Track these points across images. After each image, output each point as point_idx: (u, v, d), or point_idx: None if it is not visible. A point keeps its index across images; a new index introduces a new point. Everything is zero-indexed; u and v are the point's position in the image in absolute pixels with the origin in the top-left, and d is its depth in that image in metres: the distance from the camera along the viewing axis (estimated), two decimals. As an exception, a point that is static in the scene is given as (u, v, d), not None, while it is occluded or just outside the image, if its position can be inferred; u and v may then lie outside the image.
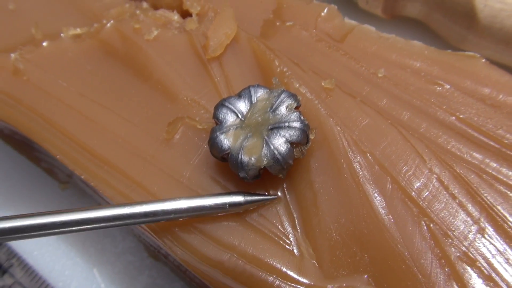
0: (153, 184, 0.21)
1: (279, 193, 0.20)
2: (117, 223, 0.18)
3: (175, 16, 0.26)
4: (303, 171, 0.20)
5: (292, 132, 0.19)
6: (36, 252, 0.27)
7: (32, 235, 0.18)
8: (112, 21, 0.25)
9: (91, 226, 0.18)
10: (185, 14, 0.26)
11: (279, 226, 0.19)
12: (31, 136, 0.23)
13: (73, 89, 0.24)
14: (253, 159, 0.19)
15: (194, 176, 0.21)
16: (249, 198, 0.19)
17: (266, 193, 0.20)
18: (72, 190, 0.29)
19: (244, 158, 0.19)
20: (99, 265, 0.27)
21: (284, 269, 0.19)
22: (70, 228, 0.18)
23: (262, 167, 0.19)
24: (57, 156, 0.22)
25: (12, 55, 0.24)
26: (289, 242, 0.19)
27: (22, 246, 0.28)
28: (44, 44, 0.25)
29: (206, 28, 0.24)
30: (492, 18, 0.26)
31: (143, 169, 0.21)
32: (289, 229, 0.19)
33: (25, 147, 0.27)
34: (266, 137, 0.19)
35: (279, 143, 0.19)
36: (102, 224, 0.18)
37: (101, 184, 0.21)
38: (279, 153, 0.19)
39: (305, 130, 0.19)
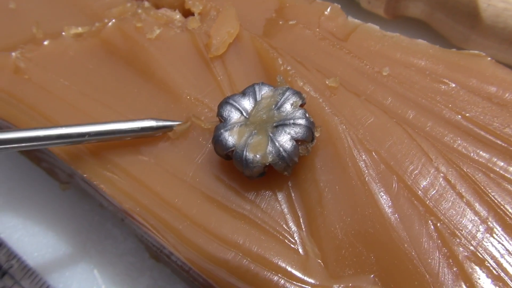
0: (156, 183, 0.21)
1: (284, 196, 0.20)
2: (33, 144, 0.19)
3: (177, 15, 0.26)
4: (308, 169, 0.20)
5: (297, 129, 0.19)
6: (36, 253, 0.27)
7: None
8: (113, 20, 0.25)
9: (7, 146, 0.19)
10: (187, 13, 0.26)
11: (284, 225, 0.19)
12: (32, 135, 0.23)
13: (74, 88, 0.23)
14: (258, 156, 0.19)
15: (198, 175, 0.21)
16: (160, 123, 0.21)
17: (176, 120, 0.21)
18: (72, 191, 0.28)
19: (249, 155, 0.19)
20: (99, 266, 0.27)
21: (289, 269, 0.18)
22: None
23: (267, 164, 0.19)
24: (59, 155, 0.22)
25: (13, 54, 0.24)
26: (294, 241, 0.19)
27: (23, 248, 0.27)
28: (45, 43, 0.25)
29: (208, 27, 0.24)
30: (495, 17, 0.26)
31: (146, 168, 0.21)
32: (294, 228, 0.19)
33: (26, 146, 0.26)
34: (271, 134, 0.19)
35: (284, 140, 0.19)
36: (17, 145, 0.19)
37: (104, 183, 0.21)
38: (284, 150, 0.19)
39: (310, 128, 0.19)
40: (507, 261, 0.17)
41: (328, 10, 0.24)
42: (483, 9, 0.26)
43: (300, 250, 0.19)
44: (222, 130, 0.19)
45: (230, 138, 0.19)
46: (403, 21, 0.31)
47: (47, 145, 0.20)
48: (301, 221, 0.19)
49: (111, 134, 0.20)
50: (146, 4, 0.27)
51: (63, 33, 0.25)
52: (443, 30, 0.29)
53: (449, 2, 0.27)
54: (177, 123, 0.21)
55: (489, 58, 0.21)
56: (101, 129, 0.20)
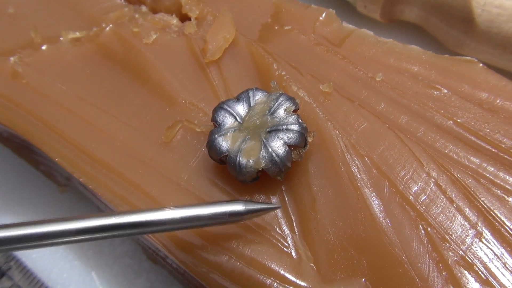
0: (151, 187, 0.21)
1: (278, 200, 0.20)
2: (103, 234, 0.16)
3: (174, 20, 0.26)
4: (301, 174, 0.20)
5: (290, 135, 0.19)
6: (34, 255, 0.27)
7: None
8: (111, 25, 0.25)
9: (75, 238, 0.16)
10: (184, 18, 0.26)
11: (277, 229, 0.20)
12: (30, 139, 0.23)
13: (72, 92, 0.24)
14: (251, 161, 0.19)
15: (192, 179, 0.21)
16: (250, 207, 0.17)
17: (268, 202, 0.19)
18: (70, 193, 0.29)
19: (242, 160, 0.19)
20: (97, 268, 0.27)
21: (282, 272, 0.19)
22: (51, 241, 0.16)
23: (260, 169, 0.19)
24: (56, 159, 0.22)
25: (11, 59, 0.24)
26: (287, 245, 0.19)
27: (20, 249, 0.27)
28: (43, 47, 0.25)
29: (204, 32, 0.24)
30: (489, 23, 0.26)
31: (141, 172, 0.21)
32: (287, 232, 0.20)
33: (24, 150, 0.27)
34: (264, 140, 0.19)
35: (277, 145, 0.19)
36: (87, 236, 0.16)
37: (99, 187, 0.21)
38: (277, 155, 0.19)
39: (303, 133, 0.19)
40: (495, 266, 0.17)
41: (323, 15, 0.25)
42: (478, 15, 0.26)
43: (293, 254, 0.19)
44: (216, 135, 0.20)
45: (224, 143, 0.19)
46: (399, 25, 0.31)
47: (121, 236, 0.17)
48: (294, 225, 0.20)
49: (194, 221, 0.17)
50: (144, 8, 0.27)
51: (61, 38, 0.25)
52: (438, 35, 0.29)
53: (444, 7, 0.27)
54: (272, 206, 0.18)
55: (481, 64, 0.22)
56: (183, 216, 0.17)
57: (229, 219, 0.17)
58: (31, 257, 0.27)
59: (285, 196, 0.20)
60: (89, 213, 0.17)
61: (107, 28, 0.25)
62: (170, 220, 0.17)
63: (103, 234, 0.17)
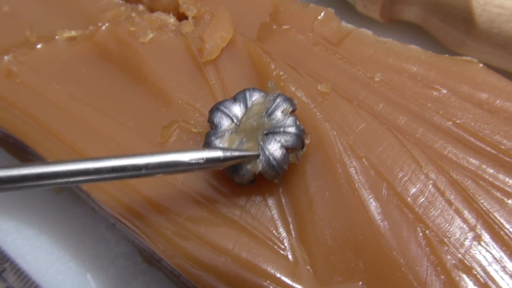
0: (147, 187, 0.21)
1: (275, 203, 0.19)
2: (83, 178, 0.16)
3: (171, 19, 0.26)
4: (298, 175, 0.20)
5: (287, 138, 0.19)
6: (29, 256, 0.27)
7: None
8: (107, 24, 0.25)
9: (55, 181, 0.16)
10: (181, 17, 0.26)
11: (274, 231, 0.19)
12: (24, 139, 0.23)
13: (67, 92, 0.23)
14: (248, 165, 0.19)
15: (188, 180, 0.21)
16: (228, 153, 0.18)
17: (246, 150, 0.19)
18: (66, 194, 0.28)
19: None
20: (92, 270, 0.27)
21: (278, 275, 0.18)
22: (32, 183, 0.16)
23: (257, 172, 0.19)
24: (50, 160, 0.22)
25: (6, 58, 0.24)
26: (283, 247, 0.19)
27: (15, 251, 0.27)
28: (38, 46, 0.25)
29: (202, 31, 0.24)
30: (490, 22, 0.26)
31: (136, 173, 0.21)
32: (284, 234, 0.19)
33: (19, 150, 0.26)
34: (261, 142, 0.19)
35: (274, 148, 0.19)
36: (65, 180, 0.16)
37: (93, 188, 0.21)
38: (274, 158, 0.19)
39: (300, 136, 0.19)
40: (494, 269, 0.17)
41: (322, 15, 0.24)
42: (478, 14, 0.26)
43: (290, 257, 0.19)
44: (212, 138, 0.19)
45: (221, 145, 0.19)
46: (398, 25, 0.31)
47: (101, 180, 0.17)
48: (291, 227, 0.19)
49: (172, 167, 0.17)
50: (141, 7, 0.27)
51: (57, 36, 0.25)
52: (438, 35, 0.29)
53: (444, 7, 0.27)
54: (251, 153, 0.18)
55: (481, 65, 0.21)
56: (160, 161, 0.17)
57: (207, 165, 0.17)
58: (26, 259, 0.27)
59: (282, 198, 0.20)
60: (68, 159, 0.17)
61: (103, 27, 0.24)
62: (148, 165, 0.17)
63: (82, 178, 0.16)
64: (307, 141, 0.20)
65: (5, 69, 0.24)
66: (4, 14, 0.26)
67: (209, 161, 0.17)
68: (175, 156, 0.17)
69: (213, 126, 0.20)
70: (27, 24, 0.25)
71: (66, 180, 0.16)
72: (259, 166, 0.19)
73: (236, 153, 0.18)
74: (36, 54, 0.24)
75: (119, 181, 0.21)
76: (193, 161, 0.17)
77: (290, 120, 0.19)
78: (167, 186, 0.21)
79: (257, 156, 0.19)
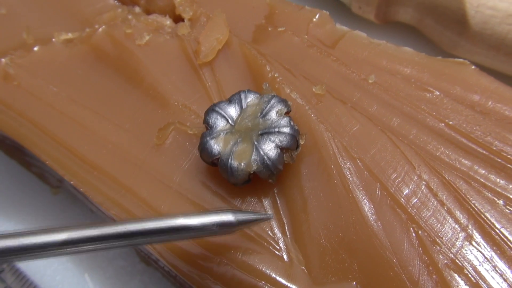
0: (143, 189, 0.21)
1: (270, 204, 0.20)
2: (88, 247, 0.16)
3: (168, 21, 0.26)
4: (293, 176, 0.20)
5: (282, 138, 0.19)
6: (27, 257, 0.27)
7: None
8: (103, 26, 0.25)
9: (55, 251, 0.15)
10: (178, 19, 0.26)
11: (269, 232, 0.19)
12: (21, 142, 0.23)
13: (64, 94, 0.24)
14: (242, 164, 0.19)
15: (184, 181, 0.21)
16: (241, 217, 0.16)
17: (259, 212, 0.18)
18: (63, 195, 0.29)
19: (234, 163, 0.19)
20: (90, 270, 0.27)
21: (273, 275, 0.19)
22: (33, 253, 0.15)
23: (252, 172, 0.19)
24: (47, 162, 0.22)
25: (3, 60, 0.24)
26: (278, 248, 0.19)
27: (13, 251, 0.27)
28: (35, 49, 0.25)
29: (198, 33, 0.24)
30: (483, 24, 0.26)
31: (133, 175, 0.21)
32: (279, 234, 0.19)
33: (16, 151, 0.27)
34: (256, 143, 0.19)
35: (269, 148, 0.19)
36: (70, 249, 0.15)
37: (90, 190, 0.21)
38: (268, 158, 0.19)
39: (295, 136, 0.19)
40: (485, 269, 0.17)
41: (317, 17, 0.24)
42: (471, 16, 0.26)
43: (285, 257, 0.19)
44: (208, 138, 0.20)
45: (216, 146, 0.19)
46: (393, 26, 0.31)
47: (104, 248, 0.16)
48: (286, 227, 0.20)
49: (180, 232, 0.16)
50: (137, 9, 0.27)
51: (53, 39, 0.25)
52: (433, 36, 0.29)
53: (438, 8, 0.27)
54: (264, 217, 0.17)
55: (473, 67, 0.22)
56: (168, 226, 0.16)
57: (219, 230, 0.16)
58: (23, 259, 0.27)
59: (277, 198, 0.20)
60: (74, 224, 0.16)
61: (100, 29, 0.25)
62: (155, 230, 0.16)
63: (88, 247, 0.16)
64: (301, 142, 0.20)
65: (2, 72, 0.24)
66: (1, 17, 0.26)
67: (221, 226, 0.16)
68: (185, 221, 0.16)
69: (208, 127, 0.20)
70: (24, 26, 0.25)
71: (73, 248, 0.16)
72: (254, 166, 0.19)
73: (249, 216, 0.17)
74: (33, 57, 0.24)
75: (114, 183, 0.21)
76: (205, 227, 0.16)
77: (284, 121, 0.19)
78: (163, 187, 0.21)
79: (270, 218, 0.17)
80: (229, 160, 0.19)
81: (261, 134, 0.19)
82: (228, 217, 0.16)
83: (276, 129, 0.19)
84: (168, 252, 0.19)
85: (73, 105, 0.23)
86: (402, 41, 0.31)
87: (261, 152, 0.19)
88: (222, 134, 0.20)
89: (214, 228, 0.16)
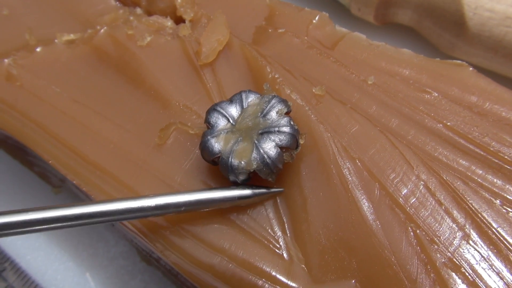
0: (145, 189, 0.21)
1: (271, 203, 0.20)
2: (130, 215, 0.18)
3: (169, 22, 0.26)
4: (293, 176, 0.20)
5: (282, 137, 0.19)
6: (29, 256, 0.28)
7: (40, 228, 0.18)
8: (105, 27, 0.25)
9: (103, 218, 0.18)
10: (179, 20, 0.26)
11: (269, 230, 0.20)
12: (24, 141, 0.23)
13: (66, 94, 0.24)
14: (243, 162, 0.19)
15: (185, 181, 0.21)
16: (256, 191, 0.20)
17: (271, 187, 0.20)
18: (65, 194, 0.29)
19: (234, 161, 0.19)
20: (91, 269, 0.27)
21: (273, 273, 0.19)
22: (80, 221, 0.18)
23: (252, 170, 0.19)
24: (50, 162, 0.22)
25: (6, 61, 0.25)
26: (278, 246, 0.19)
27: (15, 250, 0.28)
28: (38, 49, 0.25)
29: (199, 34, 0.25)
30: (480, 26, 0.26)
31: (135, 174, 0.21)
32: (279, 233, 0.20)
33: (18, 151, 0.27)
34: (256, 141, 0.19)
35: (269, 147, 0.19)
36: (111, 217, 0.18)
37: (93, 189, 0.21)
38: (268, 157, 0.19)
39: (294, 135, 0.20)
40: (482, 268, 0.17)
41: (317, 18, 0.25)
42: (469, 18, 0.26)
43: (285, 255, 0.19)
44: (209, 137, 0.20)
45: (217, 144, 0.20)
46: (392, 28, 0.31)
47: (144, 216, 0.19)
48: (286, 226, 0.20)
49: (207, 204, 0.19)
50: (138, 10, 0.27)
51: (56, 40, 0.25)
52: (431, 38, 0.29)
53: (436, 10, 0.27)
54: (277, 190, 0.20)
55: (471, 68, 0.22)
56: (197, 198, 0.19)
57: (238, 202, 0.20)
58: (25, 259, 0.27)
59: (277, 197, 0.20)
60: (113, 199, 0.19)
61: (102, 31, 0.25)
62: (186, 203, 0.19)
63: (129, 215, 0.18)
64: (301, 141, 0.20)
65: (5, 72, 0.24)
66: (4, 18, 0.26)
67: (240, 198, 0.20)
68: (210, 194, 0.19)
69: (209, 126, 0.20)
70: (26, 27, 0.26)
71: (113, 217, 0.18)
72: (254, 164, 0.19)
73: (263, 190, 0.20)
74: (36, 57, 0.25)
75: (117, 182, 0.21)
76: (226, 199, 0.19)
77: (284, 120, 0.20)
78: (165, 186, 0.21)
79: (281, 191, 0.20)
80: (230, 158, 0.19)
81: (262, 133, 0.20)
82: (246, 191, 0.20)
83: (276, 129, 0.19)
84: (170, 251, 0.20)
85: (75, 105, 0.23)
86: (401, 42, 0.31)
87: (261, 151, 0.19)
88: (223, 133, 0.20)
89: (235, 199, 0.19)
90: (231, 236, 0.20)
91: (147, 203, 0.18)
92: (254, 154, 0.19)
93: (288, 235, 0.20)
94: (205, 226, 0.20)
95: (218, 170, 0.20)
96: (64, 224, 0.18)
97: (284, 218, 0.20)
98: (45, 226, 0.18)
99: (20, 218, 0.17)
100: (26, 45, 0.25)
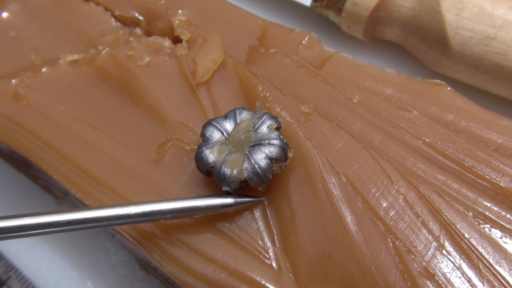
0: (142, 200, 0.22)
1: (260, 215, 0.21)
2: (118, 221, 0.19)
3: (167, 42, 0.27)
4: (283, 189, 0.22)
5: (272, 149, 0.21)
6: (32, 265, 0.29)
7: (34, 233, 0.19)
8: (107, 48, 0.26)
9: (93, 224, 0.19)
10: (176, 40, 0.28)
11: (260, 241, 0.21)
12: (30, 157, 0.24)
13: (69, 112, 0.25)
14: (234, 171, 0.20)
15: (182, 194, 0.22)
16: (238, 200, 0.21)
17: (253, 196, 0.21)
18: (68, 206, 0.30)
19: (227, 170, 0.20)
20: (93, 277, 0.28)
21: (263, 282, 0.20)
22: (71, 227, 0.19)
23: (243, 179, 0.20)
24: (54, 176, 0.23)
25: (13, 81, 0.26)
26: (268, 256, 0.21)
27: (20, 259, 0.29)
28: (43, 69, 0.26)
29: (195, 54, 0.26)
30: (462, 45, 0.27)
31: (134, 188, 0.23)
32: (269, 244, 0.21)
33: (23, 165, 0.28)
34: (247, 153, 0.21)
35: (260, 158, 0.21)
36: (101, 223, 0.19)
37: (94, 203, 0.22)
38: (259, 167, 0.20)
39: (283, 148, 0.21)
40: (455, 276, 0.19)
41: (306, 39, 0.26)
42: (451, 37, 0.27)
43: (274, 265, 0.20)
44: (204, 148, 0.21)
45: (211, 155, 0.21)
46: (381, 45, 0.32)
47: (130, 223, 0.20)
48: (276, 238, 0.21)
49: (192, 211, 0.20)
50: (138, 31, 0.28)
51: (60, 60, 0.26)
52: (417, 54, 0.30)
53: (421, 29, 0.29)
54: (258, 199, 0.21)
55: (449, 88, 0.23)
56: (182, 206, 0.20)
57: (222, 210, 0.21)
58: (29, 267, 0.28)
59: (267, 210, 0.22)
60: (103, 206, 0.20)
61: (104, 51, 0.26)
62: (172, 210, 0.20)
63: (117, 222, 0.19)
64: (290, 154, 0.22)
65: (12, 92, 0.26)
66: (12, 39, 0.28)
67: (222, 206, 0.21)
68: (194, 202, 0.20)
69: (205, 139, 0.22)
70: (32, 48, 0.27)
71: (103, 223, 0.19)
72: (245, 173, 0.20)
73: (244, 199, 0.21)
74: (41, 77, 0.26)
75: (117, 196, 0.23)
76: (209, 207, 0.21)
77: (274, 134, 0.21)
78: (161, 199, 0.22)
79: (262, 199, 0.21)
80: (223, 167, 0.20)
81: (253, 146, 0.21)
82: (228, 200, 0.21)
83: (267, 141, 0.21)
84: (166, 261, 0.21)
85: (78, 123, 0.25)
86: (389, 58, 0.32)
87: (252, 161, 0.20)
88: (217, 145, 0.21)
89: (218, 207, 0.21)
90: (224, 247, 0.21)
91: (134, 210, 0.19)
92: (246, 164, 0.20)
93: (278, 246, 0.21)
94: (199, 237, 0.21)
95: (212, 184, 0.22)
96: (57, 229, 0.19)
97: (273, 229, 0.21)
98: (39, 231, 0.19)
99: (15, 223, 0.19)
100: (32, 65, 0.27)
